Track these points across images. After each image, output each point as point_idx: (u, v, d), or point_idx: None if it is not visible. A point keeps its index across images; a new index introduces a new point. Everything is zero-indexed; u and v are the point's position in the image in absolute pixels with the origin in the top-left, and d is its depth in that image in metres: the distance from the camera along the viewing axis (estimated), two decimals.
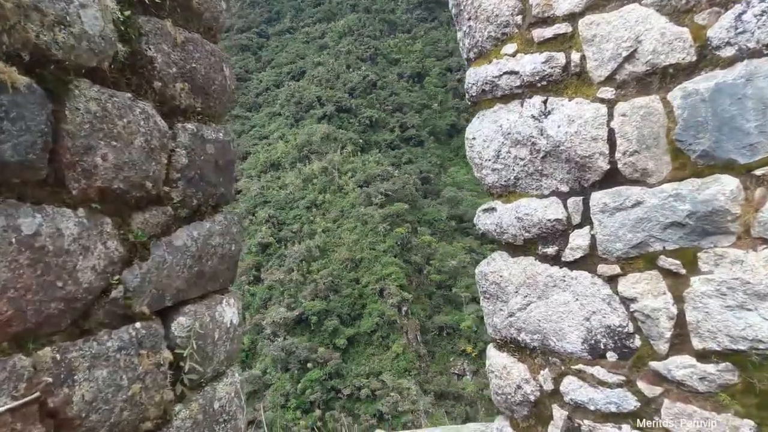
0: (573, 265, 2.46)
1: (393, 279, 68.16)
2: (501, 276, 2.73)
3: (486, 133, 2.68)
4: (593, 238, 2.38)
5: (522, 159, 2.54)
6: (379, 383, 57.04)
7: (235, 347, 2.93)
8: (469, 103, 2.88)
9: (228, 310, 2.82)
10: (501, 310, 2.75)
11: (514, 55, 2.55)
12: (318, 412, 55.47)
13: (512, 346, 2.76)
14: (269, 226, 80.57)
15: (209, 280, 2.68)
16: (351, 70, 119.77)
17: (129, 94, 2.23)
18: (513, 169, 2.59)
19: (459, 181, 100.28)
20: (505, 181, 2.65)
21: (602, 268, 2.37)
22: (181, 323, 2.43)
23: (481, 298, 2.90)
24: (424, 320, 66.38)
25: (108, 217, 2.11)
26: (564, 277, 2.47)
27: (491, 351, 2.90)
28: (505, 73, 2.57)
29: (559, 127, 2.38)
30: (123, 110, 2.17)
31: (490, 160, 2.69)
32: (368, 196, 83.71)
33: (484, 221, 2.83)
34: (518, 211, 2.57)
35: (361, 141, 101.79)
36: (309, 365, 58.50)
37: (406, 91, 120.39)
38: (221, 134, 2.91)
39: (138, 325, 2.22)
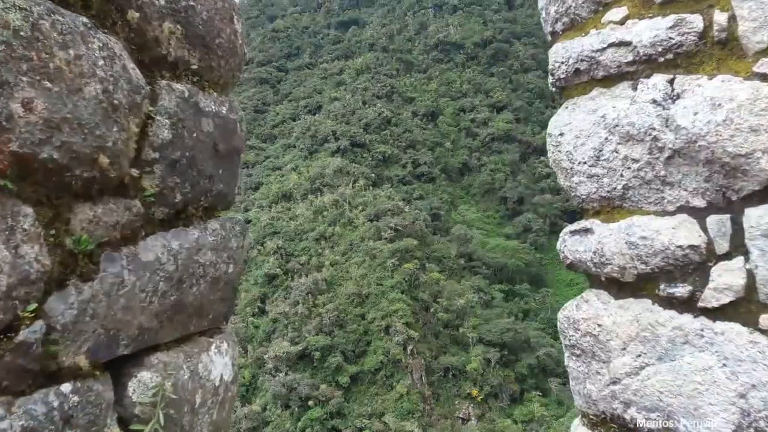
0: (717, 313, 1.76)
1: (399, 316, 67.24)
2: (599, 325, 2.02)
3: (580, 127, 2.08)
4: (750, 274, 1.68)
5: (636, 161, 1.90)
6: (382, 425, 55.48)
7: (225, 416, 2.08)
8: (554, 89, 2.24)
9: (218, 361, 2.03)
10: (598, 373, 2.00)
11: (622, 22, 1.95)
12: None
13: (614, 427, 1.99)
14: (277, 257, 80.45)
15: (193, 315, 1.92)
16: (366, 106, 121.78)
17: (85, 19, 1.52)
18: (621, 175, 1.94)
19: (469, 219, 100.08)
20: (608, 191, 1.99)
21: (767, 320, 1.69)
22: (142, 382, 1.66)
23: (567, 354, 2.15)
24: (430, 360, 65.03)
25: (28, 206, 1.34)
26: (702, 330, 1.78)
27: (579, 430, 2.11)
28: (611, 45, 1.98)
29: (695, 114, 1.77)
30: (70, 38, 1.42)
31: (585, 162, 2.04)
32: (378, 230, 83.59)
33: (573, 247, 2.08)
34: (630, 234, 1.90)
35: (373, 175, 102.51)
36: (310, 403, 57.19)
37: (419, 128, 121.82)
38: (225, 108, 2.15)
39: (66, 387, 1.39)
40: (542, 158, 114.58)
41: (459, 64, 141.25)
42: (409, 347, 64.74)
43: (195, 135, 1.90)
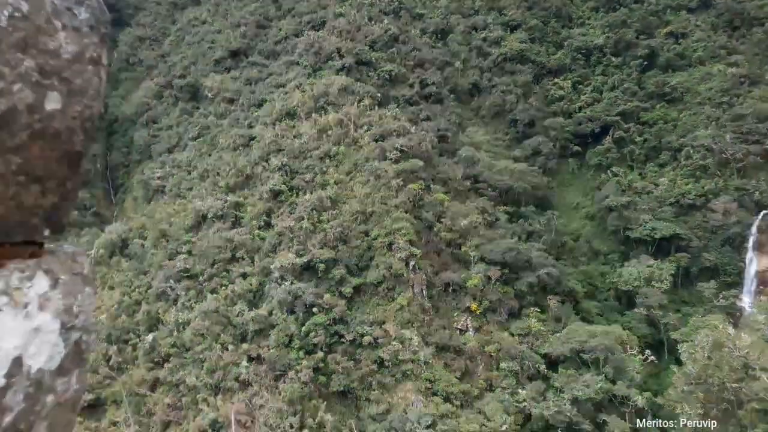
0: None
1: (403, 234, 67.72)
2: None
3: None
4: None
5: None
6: (382, 332, 57.43)
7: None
8: None
9: (11, 325, 0.98)
10: None
11: None
12: (320, 354, 56.25)
13: None
14: (281, 174, 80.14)
15: None
16: (373, 22, 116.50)
17: None
18: None
19: (477, 142, 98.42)
20: None
21: None
22: None
23: None
24: (431, 276, 66.23)
25: None
26: None
27: None
28: None
29: None
30: None
31: None
32: (383, 150, 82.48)
33: None
34: None
35: (379, 95, 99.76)
36: (314, 310, 58.97)
37: (428, 47, 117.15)
38: None
39: None
40: (556, 80, 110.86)
41: None
42: (411, 263, 65.71)
43: None
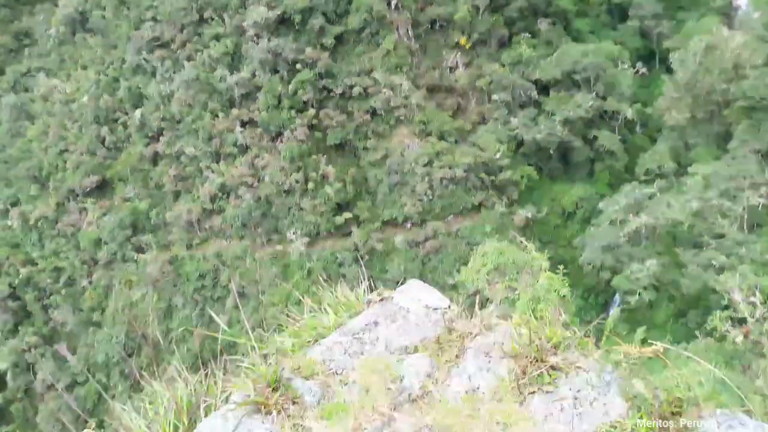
0: None
1: None
2: None
3: None
4: None
5: None
6: (371, 81, 56.34)
7: None
8: None
9: None
10: None
11: None
12: (312, 111, 56.42)
13: None
14: None
15: None
16: None
17: None
18: None
19: None
20: None
21: None
22: None
23: None
24: (416, 13, 61.49)
25: None
26: None
27: None
28: None
29: None
30: None
31: None
32: None
33: None
34: None
35: None
36: (298, 66, 56.80)
37: None
38: None
39: None
40: None
41: None
42: (394, 2, 60.41)
43: None
